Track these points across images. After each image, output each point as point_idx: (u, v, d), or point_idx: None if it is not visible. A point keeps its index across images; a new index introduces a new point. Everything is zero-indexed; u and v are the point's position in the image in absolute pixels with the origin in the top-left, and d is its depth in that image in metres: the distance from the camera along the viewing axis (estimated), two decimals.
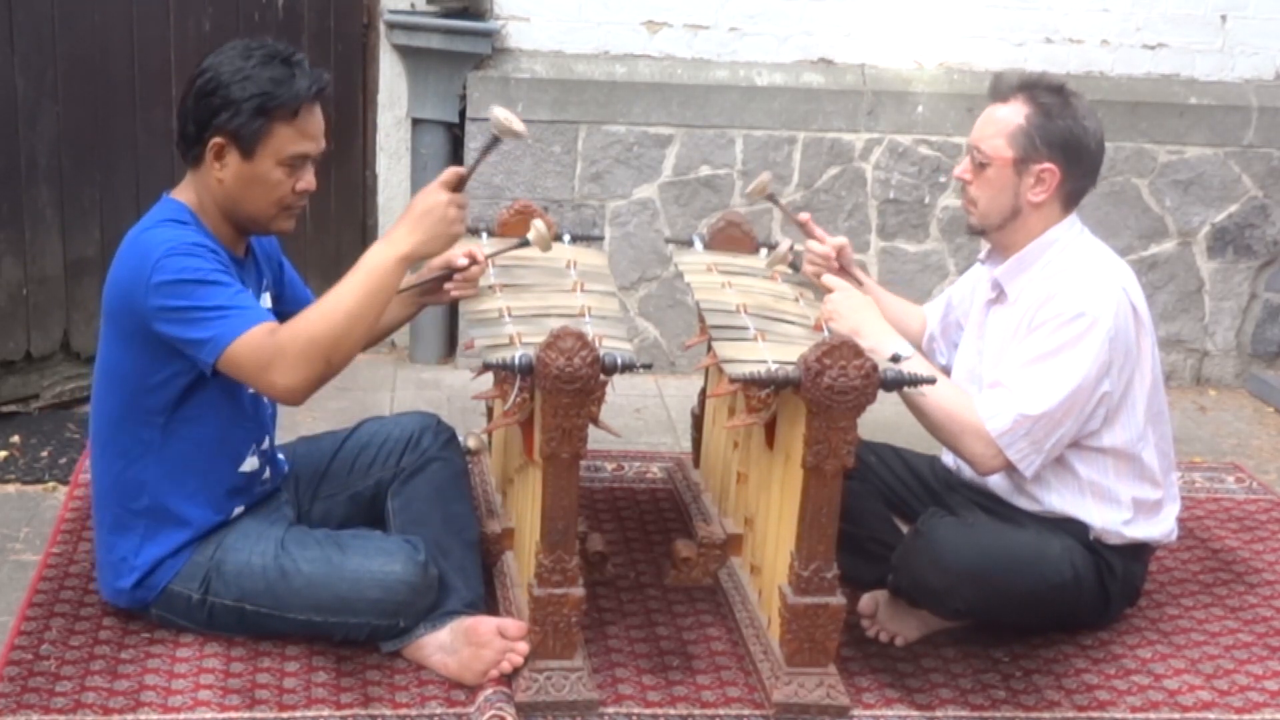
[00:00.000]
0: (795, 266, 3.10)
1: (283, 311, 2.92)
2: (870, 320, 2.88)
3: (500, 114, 2.61)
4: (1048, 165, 2.81)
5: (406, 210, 2.63)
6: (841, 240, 3.10)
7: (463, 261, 2.85)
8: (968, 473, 3.06)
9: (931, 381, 2.69)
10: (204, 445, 2.72)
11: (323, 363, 2.52)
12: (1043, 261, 2.88)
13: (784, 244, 3.08)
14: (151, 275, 2.53)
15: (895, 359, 2.78)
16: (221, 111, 2.58)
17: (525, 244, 2.88)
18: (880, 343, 2.80)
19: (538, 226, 2.86)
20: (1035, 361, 2.77)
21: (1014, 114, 2.82)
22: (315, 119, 2.66)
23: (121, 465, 2.73)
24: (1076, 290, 2.78)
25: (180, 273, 2.52)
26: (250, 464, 2.81)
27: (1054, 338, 2.76)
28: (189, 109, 2.63)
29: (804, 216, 3.15)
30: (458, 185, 2.64)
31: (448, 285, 2.88)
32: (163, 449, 2.70)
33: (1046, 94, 2.82)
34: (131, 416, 2.70)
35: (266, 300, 2.84)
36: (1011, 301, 2.92)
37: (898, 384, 2.62)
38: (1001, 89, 2.86)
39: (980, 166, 2.86)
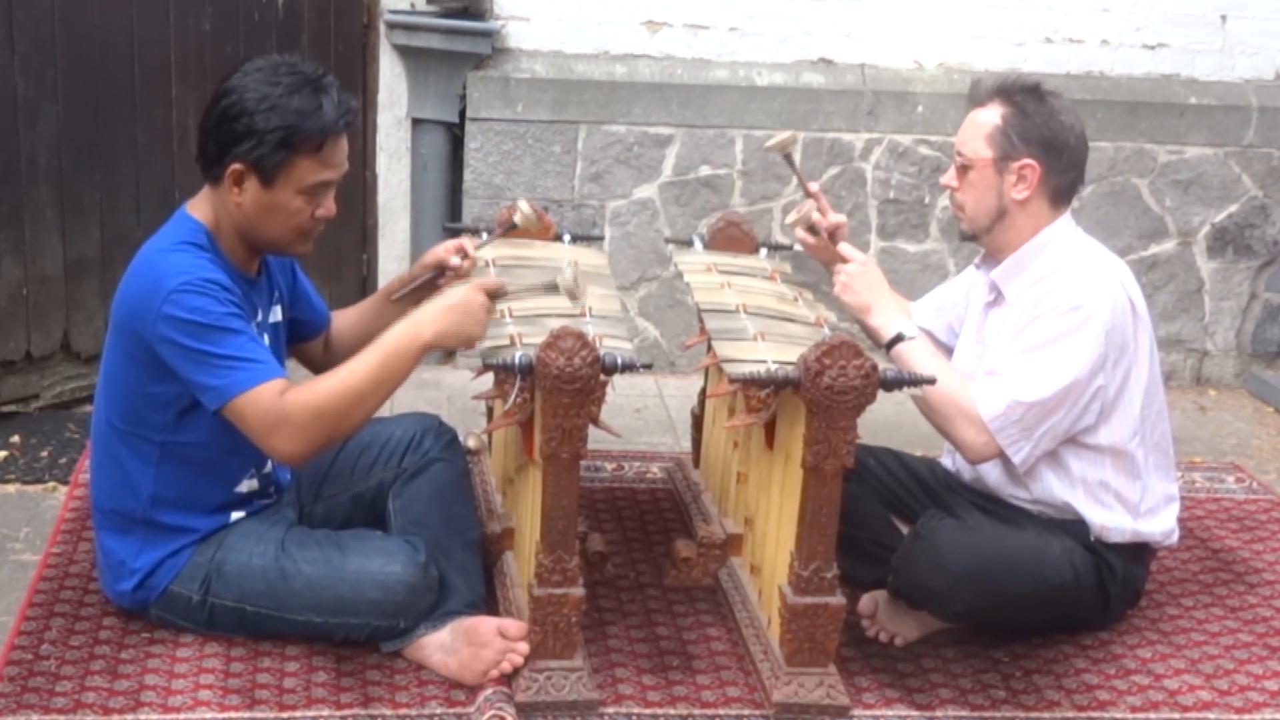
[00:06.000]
0: (815, 231, 3.02)
1: (295, 319, 2.93)
2: (881, 297, 2.90)
3: (569, 274, 2.67)
4: (1027, 161, 2.83)
5: (439, 298, 2.64)
6: (840, 218, 3.07)
7: (456, 260, 2.86)
8: (967, 474, 3.06)
9: (931, 381, 2.69)
10: (200, 465, 2.72)
11: (325, 436, 2.55)
12: (1039, 262, 2.89)
13: (808, 204, 3.03)
14: (162, 306, 2.51)
15: (899, 339, 2.79)
16: (244, 140, 2.54)
17: (514, 227, 2.97)
18: (887, 321, 2.82)
19: (522, 208, 2.93)
20: (1031, 350, 2.78)
21: (991, 115, 2.87)
22: (340, 148, 2.63)
23: (120, 474, 2.73)
24: (1074, 283, 2.81)
25: (192, 313, 2.50)
26: (247, 485, 2.80)
27: (1051, 328, 2.78)
28: (210, 129, 2.59)
29: (814, 187, 3.12)
30: (495, 294, 2.66)
31: (441, 282, 2.88)
32: (160, 463, 2.70)
33: (1021, 93, 2.87)
34: (131, 427, 2.70)
35: (277, 313, 2.84)
36: (1010, 303, 2.92)
37: (897, 384, 2.62)
38: (979, 94, 2.91)
39: (963, 170, 2.90)
